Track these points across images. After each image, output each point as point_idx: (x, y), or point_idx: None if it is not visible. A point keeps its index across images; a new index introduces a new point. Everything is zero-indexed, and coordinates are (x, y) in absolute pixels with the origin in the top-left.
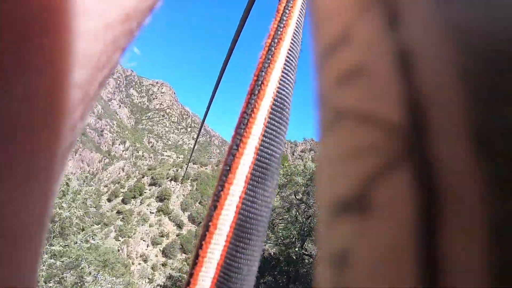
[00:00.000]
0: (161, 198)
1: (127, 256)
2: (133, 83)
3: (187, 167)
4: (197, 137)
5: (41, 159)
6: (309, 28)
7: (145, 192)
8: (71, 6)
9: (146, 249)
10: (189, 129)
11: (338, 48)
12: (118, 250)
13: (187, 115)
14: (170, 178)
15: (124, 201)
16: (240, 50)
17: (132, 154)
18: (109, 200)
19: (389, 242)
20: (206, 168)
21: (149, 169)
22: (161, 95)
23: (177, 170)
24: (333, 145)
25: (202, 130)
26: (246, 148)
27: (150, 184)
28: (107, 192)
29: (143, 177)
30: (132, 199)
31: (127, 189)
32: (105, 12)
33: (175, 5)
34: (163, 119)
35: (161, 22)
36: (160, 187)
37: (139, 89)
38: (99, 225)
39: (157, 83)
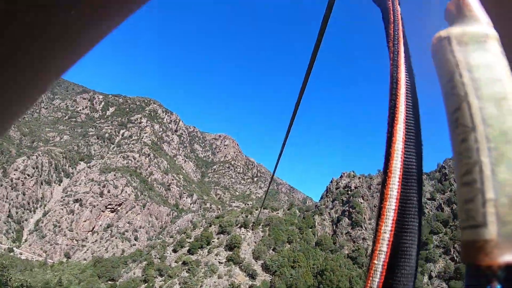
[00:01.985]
0: (231, 246)
1: None
2: (196, 138)
3: (259, 211)
4: (269, 185)
5: None
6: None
7: (213, 241)
8: None
9: None
10: (255, 179)
11: None
12: None
13: (252, 165)
14: (239, 225)
15: (190, 251)
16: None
17: (200, 207)
18: (174, 250)
19: None
20: (277, 213)
21: (217, 217)
22: (225, 148)
23: (246, 217)
24: None
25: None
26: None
27: (218, 233)
28: (172, 243)
29: (210, 226)
30: (199, 249)
31: (194, 239)
32: None
33: (231, 61)
34: (228, 171)
35: (219, 78)
36: (229, 235)
37: (203, 144)
38: (163, 277)
39: (219, 136)
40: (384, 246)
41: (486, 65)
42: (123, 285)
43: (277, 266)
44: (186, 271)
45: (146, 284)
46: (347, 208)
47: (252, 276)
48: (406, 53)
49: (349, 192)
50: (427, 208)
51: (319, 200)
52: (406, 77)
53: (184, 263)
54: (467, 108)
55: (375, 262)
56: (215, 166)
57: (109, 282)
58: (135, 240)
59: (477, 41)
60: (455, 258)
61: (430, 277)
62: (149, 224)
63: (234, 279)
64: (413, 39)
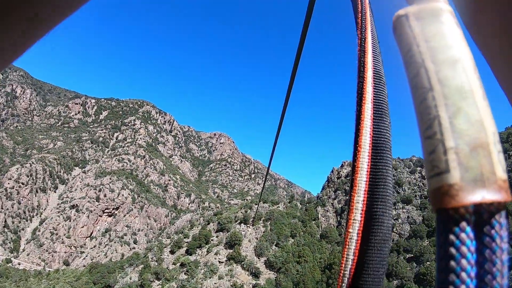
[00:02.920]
0: (231, 244)
1: None
2: (192, 137)
3: (258, 206)
4: (265, 181)
5: None
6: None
7: (212, 240)
8: None
9: None
10: (252, 176)
11: None
12: None
13: (249, 162)
14: (239, 221)
15: (188, 252)
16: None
17: (198, 206)
18: (172, 252)
19: None
20: (278, 207)
21: (215, 215)
22: (221, 146)
23: (246, 212)
24: None
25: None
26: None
27: (217, 230)
28: (170, 243)
29: (208, 224)
30: (197, 249)
31: (192, 238)
32: None
33: (225, 56)
34: (225, 169)
35: (212, 74)
36: (228, 232)
37: (198, 143)
38: (160, 281)
39: (215, 134)
40: (357, 215)
41: (441, 34)
42: None
43: (281, 263)
44: (185, 273)
45: None
46: None
47: (256, 274)
48: (373, 40)
49: None
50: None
51: (321, 191)
52: (373, 61)
53: (182, 264)
54: (425, 72)
55: (350, 230)
56: (211, 165)
57: None
58: (134, 243)
59: (432, 15)
60: None
61: None
62: (147, 227)
63: (236, 279)
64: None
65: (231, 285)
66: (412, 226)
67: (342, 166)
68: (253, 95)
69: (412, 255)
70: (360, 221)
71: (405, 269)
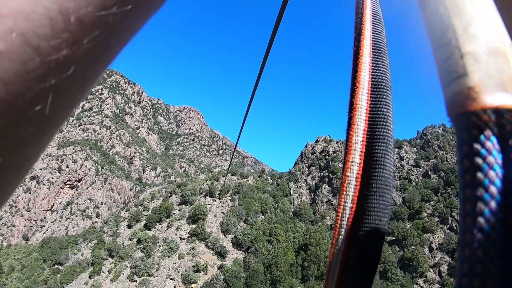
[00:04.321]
0: (194, 218)
1: None
2: (160, 110)
3: (225, 177)
4: (231, 159)
5: None
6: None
7: (173, 214)
8: None
9: None
10: (220, 152)
11: None
12: None
13: (217, 137)
14: (204, 193)
15: (147, 226)
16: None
17: (164, 180)
18: (129, 226)
19: None
20: (247, 180)
21: (178, 186)
22: (190, 120)
23: (212, 184)
24: None
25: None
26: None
27: (180, 203)
28: (128, 217)
29: (170, 196)
30: (157, 223)
31: (152, 212)
32: None
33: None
34: (193, 143)
35: (184, 47)
36: (192, 205)
37: (167, 116)
38: (113, 259)
39: (184, 108)
40: (356, 157)
41: None
42: (67, 270)
43: (250, 241)
44: (141, 251)
45: (92, 267)
46: (326, 174)
47: (221, 254)
48: None
49: (327, 157)
50: (413, 175)
51: (293, 166)
52: (372, 3)
53: (139, 240)
54: None
55: (348, 174)
56: (179, 139)
57: (56, 266)
58: (97, 217)
59: None
60: (455, 228)
61: (430, 250)
62: (111, 200)
63: (199, 259)
64: None
65: (192, 266)
66: (392, 207)
67: (317, 141)
68: (225, 70)
69: (394, 238)
70: (359, 163)
71: (387, 253)
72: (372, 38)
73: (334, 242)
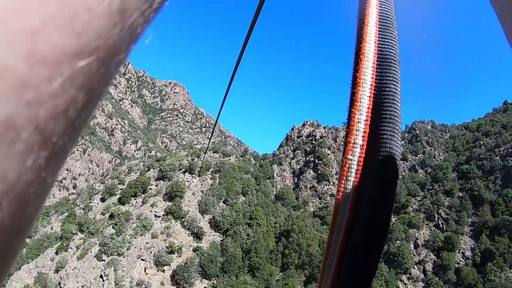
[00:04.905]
0: (171, 195)
1: (116, 285)
2: (146, 83)
3: (205, 152)
4: (212, 134)
5: None
6: None
7: (150, 189)
8: None
9: (145, 274)
10: (203, 129)
11: None
12: (101, 277)
13: (201, 115)
14: (183, 169)
15: (121, 201)
16: (252, 52)
17: (144, 154)
18: (102, 199)
19: None
20: (229, 158)
21: (157, 160)
22: (174, 95)
23: (192, 160)
24: None
25: (217, 131)
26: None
27: (158, 179)
28: (102, 190)
29: (148, 170)
30: (131, 198)
31: (127, 186)
32: None
33: (188, 7)
34: (176, 119)
35: (175, 23)
36: (170, 181)
37: (152, 90)
38: (83, 234)
39: (170, 83)
40: (359, 138)
41: None
42: (33, 244)
43: (229, 224)
44: (113, 227)
45: (60, 243)
46: (311, 159)
47: (197, 235)
48: None
49: (314, 141)
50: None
51: (278, 149)
52: None
53: (111, 215)
54: None
55: (349, 157)
56: (163, 113)
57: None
58: (74, 188)
59: None
60: (441, 226)
61: (416, 246)
62: (89, 172)
63: (174, 239)
64: None
65: (166, 247)
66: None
67: (303, 125)
68: (214, 49)
69: None
70: (362, 145)
71: None
72: (379, 5)
73: (332, 230)
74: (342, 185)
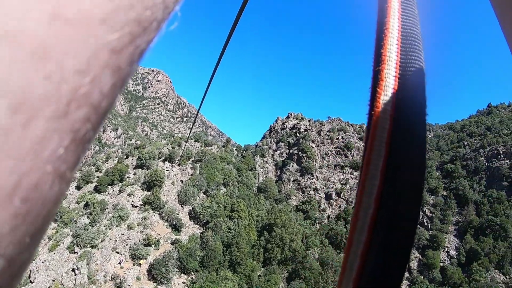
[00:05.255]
0: (149, 185)
1: (89, 279)
2: None
3: (187, 140)
4: (193, 123)
5: None
6: None
7: (127, 177)
8: None
9: (120, 268)
10: (185, 119)
11: None
12: (73, 270)
13: (183, 104)
14: (163, 157)
15: (97, 189)
16: (237, 42)
17: (124, 142)
18: (78, 187)
19: None
20: (211, 148)
21: (136, 148)
22: (157, 84)
23: (173, 148)
24: None
25: (199, 121)
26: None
27: (136, 167)
28: (78, 177)
29: (127, 158)
30: (108, 186)
31: (104, 173)
32: None
33: None
34: (158, 108)
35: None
36: (148, 170)
37: (134, 77)
38: (56, 223)
39: (153, 71)
40: (386, 121)
41: None
42: None
43: (209, 216)
44: (87, 216)
45: None
46: (295, 151)
47: (176, 227)
48: None
49: (298, 134)
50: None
51: (261, 140)
52: None
53: (86, 204)
54: None
55: (376, 143)
56: (144, 101)
57: None
58: None
59: None
60: (425, 224)
61: None
62: None
63: (151, 231)
64: None
65: (143, 239)
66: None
67: (288, 117)
68: (199, 38)
69: None
70: (388, 129)
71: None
72: None
73: (354, 228)
74: (366, 181)
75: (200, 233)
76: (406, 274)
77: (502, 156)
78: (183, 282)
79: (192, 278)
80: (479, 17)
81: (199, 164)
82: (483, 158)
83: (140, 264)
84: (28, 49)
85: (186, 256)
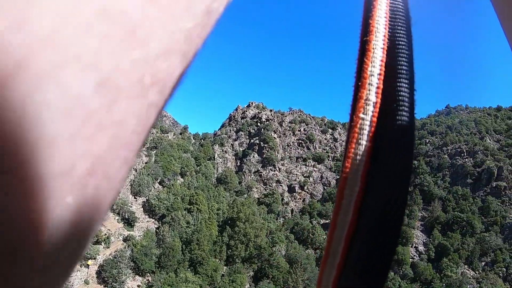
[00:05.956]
0: None
1: None
2: None
3: None
4: None
5: None
6: None
7: None
8: None
9: None
10: None
11: None
12: None
13: None
14: None
15: None
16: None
17: None
18: None
19: None
20: (167, 135)
21: None
22: None
23: None
24: None
25: None
26: None
27: None
28: None
29: None
30: None
31: None
32: None
33: None
34: None
35: None
36: None
37: None
38: None
39: None
40: (372, 94)
41: None
42: None
43: (166, 208)
44: None
45: None
46: (256, 141)
47: (129, 222)
48: None
49: (259, 124)
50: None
51: (219, 128)
52: None
53: None
54: None
55: (362, 116)
56: None
57: None
58: None
59: None
60: None
61: None
62: None
63: (100, 226)
64: None
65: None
66: (326, 188)
67: (248, 106)
68: None
69: (328, 221)
70: (376, 102)
71: (321, 237)
72: None
73: (338, 209)
74: (352, 150)
75: (156, 228)
76: None
77: (465, 154)
78: (138, 286)
79: (148, 280)
80: (443, 19)
81: (154, 151)
82: (446, 156)
83: (88, 265)
84: (121, 29)
85: (140, 255)
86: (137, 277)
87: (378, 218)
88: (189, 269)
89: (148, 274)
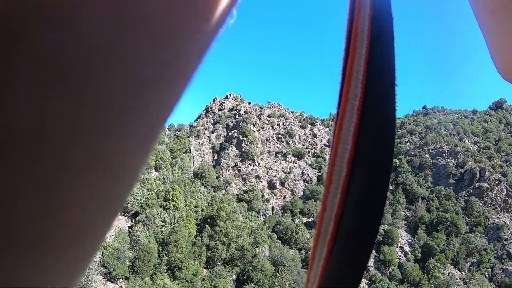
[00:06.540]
0: None
1: None
2: None
3: None
4: None
5: None
6: None
7: None
8: None
9: None
10: None
11: None
12: None
13: None
14: None
15: None
16: None
17: None
18: None
19: None
20: None
21: None
22: None
23: None
24: None
25: None
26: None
27: None
28: None
29: None
30: None
31: None
32: None
33: None
34: None
35: None
36: None
37: None
38: None
39: None
40: (357, 89)
41: None
42: None
43: (139, 205)
44: None
45: None
46: (234, 134)
47: None
48: None
49: (238, 116)
50: (326, 154)
51: (196, 120)
52: None
53: None
54: None
55: (347, 108)
56: None
57: None
58: None
59: None
60: None
61: None
62: None
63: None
64: None
65: None
66: (307, 184)
67: (226, 97)
68: None
69: (311, 220)
70: (360, 96)
71: (305, 236)
72: None
73: (327, 193)
74: (339, 140)
75: (129, 227)
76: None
77: (447, 154)
78: None
79: (121, 287)
80: (420, 22)
81: None
82: (428, 155)
83: None
84: None
85: (112, 259)
86: (108, 283)
87: (363, 197)
88: (166, 274)
89: (121, 280)
